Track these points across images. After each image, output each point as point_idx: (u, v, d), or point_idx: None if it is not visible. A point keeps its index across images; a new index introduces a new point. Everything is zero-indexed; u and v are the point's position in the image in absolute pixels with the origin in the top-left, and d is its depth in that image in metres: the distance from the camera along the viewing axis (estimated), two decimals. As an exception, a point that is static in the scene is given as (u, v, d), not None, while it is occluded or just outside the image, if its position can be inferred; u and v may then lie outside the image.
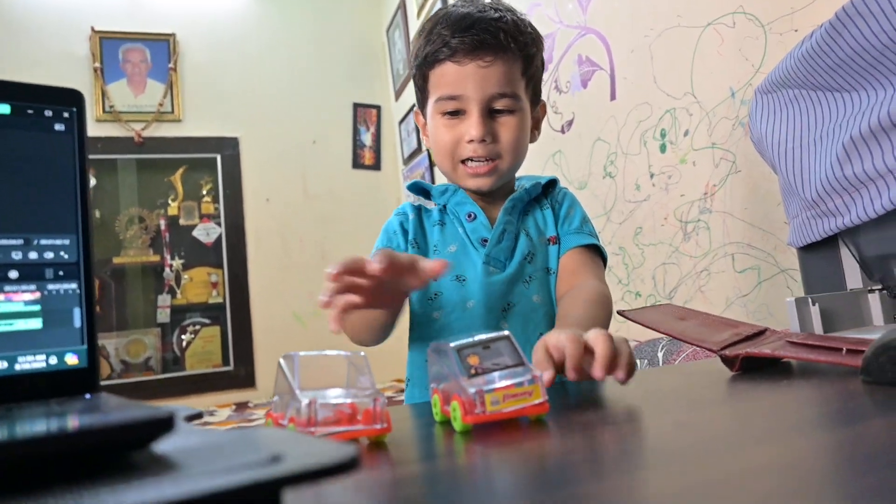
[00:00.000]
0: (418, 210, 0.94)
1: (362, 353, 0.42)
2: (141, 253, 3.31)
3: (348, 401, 0.38)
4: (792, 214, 0.74)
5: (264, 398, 3.15)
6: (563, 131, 2.01)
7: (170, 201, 3.39)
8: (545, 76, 2.08)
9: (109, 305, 3.24)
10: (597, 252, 0.91)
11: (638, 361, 1.35)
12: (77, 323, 0.39)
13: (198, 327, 3.34)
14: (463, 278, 0.86)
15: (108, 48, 3.30)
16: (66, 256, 0.40)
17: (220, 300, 3.36)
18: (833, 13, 0.67)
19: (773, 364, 0.55)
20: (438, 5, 2.80)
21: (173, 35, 3.39)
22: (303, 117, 3.55)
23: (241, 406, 2.98)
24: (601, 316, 0.73)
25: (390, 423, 0.38)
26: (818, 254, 0.71)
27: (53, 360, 0.38)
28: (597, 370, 0.47)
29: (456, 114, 0.85)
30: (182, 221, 3.38)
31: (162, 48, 3.38)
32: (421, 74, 0.90)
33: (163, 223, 3.36)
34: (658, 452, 0.32)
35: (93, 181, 3.25)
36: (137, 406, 0.31)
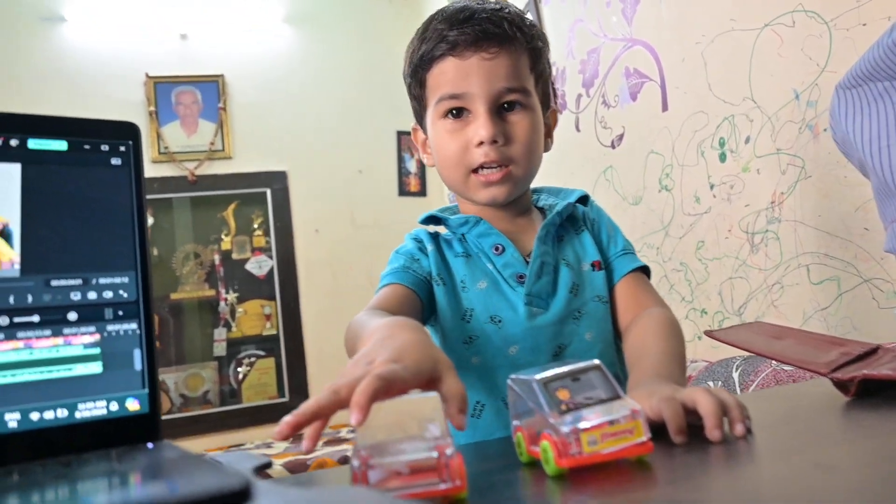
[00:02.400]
0: (435, 239, 0.83)
1: (433, 394, 0.38)
2: (197, 288, 3.38)
3: (407, 458, 0.33)
4: (891, 218, 0.68)
5: (320, 429, 3.14)
6: (613, 146, 1.96)
7: (223, 236, 3.46)
8: (592, 91, 2.04)
9: (168, 341, 3.31)
10: (644, 271, 0.82)
11: (711, 383, 1.27)
12: (138, 365, 0.37)
13: (253, 359, 3.38)
14: (499, 319, 0.75)
15: (162, 92, 3.43)
16: (125, 295, 0.38)
17: (273, 332, 3.39)
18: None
19: (891, 386, 0.49)
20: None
21: (222, 76, 3.50)
22: (348, 148, 3.60)
23: (298, 438, 2.97)
24: (676, 348, 0.66)
25: (465, 478, 0.33)
26: (924, 260, 0.65)
27: (114, 407, 0.36)
28: (712, 431, 0.40)
29: (460, 115, 0.75)
30: (235, 255, 3.45)
31: (212, 89, 3.49)
32: (417, 80, 0.79)
33: (217, 258, 3.43)
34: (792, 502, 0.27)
35: (151, 220, 3.35)
36: (205, 465, 0.28)
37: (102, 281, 0.38)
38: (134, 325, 0.38)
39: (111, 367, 0.37)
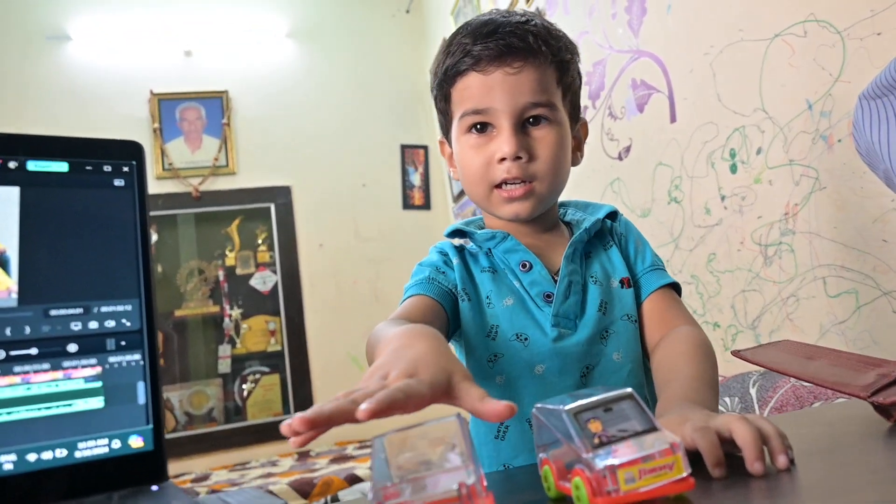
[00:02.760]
0: (460, 252, 0.81)
1: (452, 419, 0.35)
2: (201, 304, 3.36)
3: (426, 495, 0.31)
4: (920, 231, 0.66)
5: (325, 446, 3.11)
6: (620, 158, 1.94)
7: (227, 252, 3.45)
8: (598, 103, 2.03)
9: (172, 358, 3.29)
10: (674, 288, 0.80)
11: (728, 399, 1.24)
12: (141, 399, 0.35)
13: (258, 376, 3.35)
14: (524, 337, 0.73)
15: (166, 108, 3.43)
16: (128, 324, 0.36)
17: (278, 347, 3.36)
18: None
19: (935, 410, 0.46)
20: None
21: (226, 92, 3.51)
22: (352, 162, 3.59)
23: (303, 455, 2.94)
24: (708, 371, 0.62)
25: None
26: (958, 275, 0.62)
27: (117, 444, 0.34)
28: (752, 464, 0.38)
29: (484, 130, 0.74)
30: (239, 271, 3.43)
31: (215, 105, 3.49)
32: (442, 95, 0.79)
33: (221, 274, 3.41)
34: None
35: (155, 236, 3.35)
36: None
37: (104, 309, 0.36)
38: (137, 356, 0.36)
39: (113, 401, 0.34)
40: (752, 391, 1.19)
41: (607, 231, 0.83)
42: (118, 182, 0.40)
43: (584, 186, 2.12)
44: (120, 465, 0.33)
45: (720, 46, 1.48)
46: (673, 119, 1.67)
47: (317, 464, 2.67)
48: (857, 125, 0.73)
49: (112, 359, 0.35)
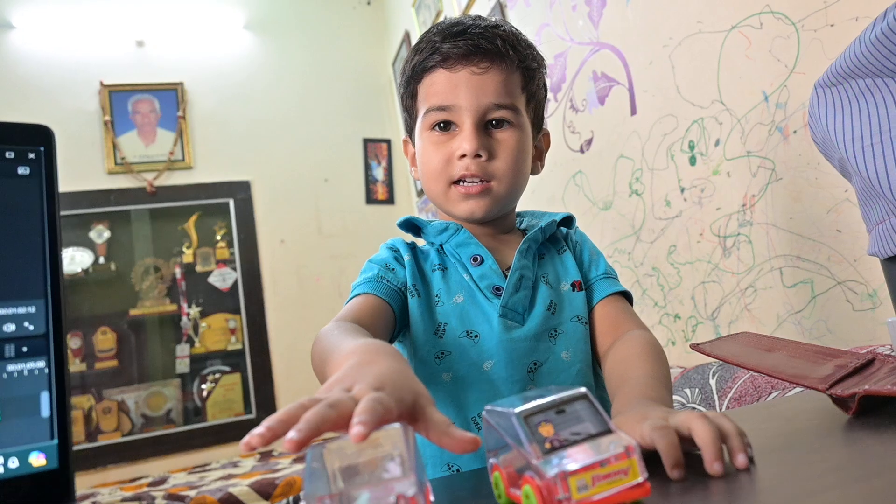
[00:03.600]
0: (412, 249, 0.81)
1: (396, 426, 0.32)
2: (157, 303, 3.25)
3: None
4: (875, 221, 0.65)
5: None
6: (582, 151, 1.93)
7: (184, 249, 3.35)
8: (559, 95, 2.02)
9: (128, 359, 3.18)
10: (626, 297, 0.81)
11: (688, 391, 1.24)
12: (45, 411, 0.31)
13: (218, 375, 3.27)
14: (475, 334, 0.73)
15: (118, 101, 3.31)
16: (31, 328, 0.32)
17: (239, 346, 3.29)
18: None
19: (892, 401, 0.45)
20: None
21: (181, 84, 3.40)
22: (313, 156, 3.52)
23: (266, 455, 2.88)
24: (661, 370, 0.63)
25: None
26: (911, 264, 0.62)
27: (14, 463, 0.30)
28: (711, 465, 0.37)
29: (447, 129, 0.75)
30: (198, 268, 3.34)
31: (170, 97, 3.38)
32: (409, 91, 0.80)
33: (178, 271, 3.31)
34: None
35: (107, 233, 3.23)
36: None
37: (2, 312, 0.32)
38: (41, 364, 0.32)
39: (10, 414, 0.31)
40: (712, 382, 1.19)
41: (562, 237, 0.84)
42: (22, 170, 0.36)
43: (547, 180, 2.11)
44: (17, 486, 0.30)
45: (679, 38, 1.48)
46: (633, 111, 1.67)
47: (279, 464, 2.62)
48: (813, 114, 0.73)
49: (11, 367, 0.32)
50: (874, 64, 0.61)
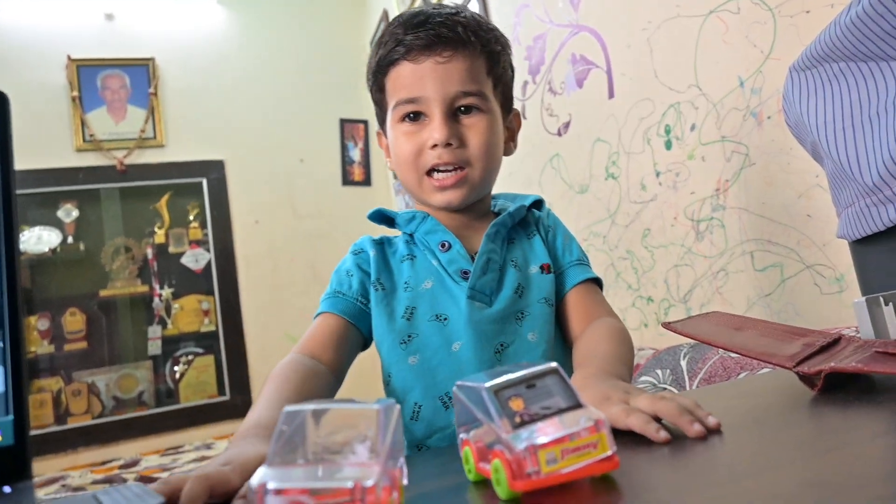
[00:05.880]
0: (380, 245, 0.83)
1: (374, 406, 0.32)
2: (129, 284, 3.20)
3: (315, 485, 0.27)
4: (845, 204, 0.66)
5: (263, 427, 3.04)
6: (559, 134, 1.93)
7: (156, 229, 3.29)
8: (538, 78, 2.02)
9: (99, 340, 3.13)
10: (597, 284, 0.82)
11: (660, 372, 1.26)
12: (0, 385, 0.30)
13: (191, 357, 3.23)
14: (444, 317, 0.74)
15: (86, 76, 3.21)
16: (-16, 299, 0.31)
17: (212, 328, 3.25)
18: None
19: (857, 378, 0.46)
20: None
21: (152, 59, 3.32)
22: (289, 136, 3.47)
23: (240, 437, 2.86)
24: (624, 353, 0.65)
25: None
26: (879, 247, 0.63)
27: (-35, 439, 0.29)
28: (691, 429, 0.39)
29: (417, 119, 0.76)
30: (171, 249, 3.28)
31: (141, 73, 3.30)
32: (377, 85, 0.81)
33: (150, 252, 3.26)
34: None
35: (76, 212, 3.15)
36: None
37: (-47, 282, 0.30)
38: (-5, 336, 0.31)
39: (-37, 389, 0.30)
40: (683, 363, 1.21)
41: (532, 221, 0.85)
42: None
43: (524, 164, 2.11)
44: (-30, 462, 0.29)
45: (657, 22, 1.48)
46: (611, 95, 1.67)
47: (253, 446, 2.61)
48: (788, 97, 0.73)
49: (-38, 339, 0.30)
50: (848, 48, 0.62)
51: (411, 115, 0.76)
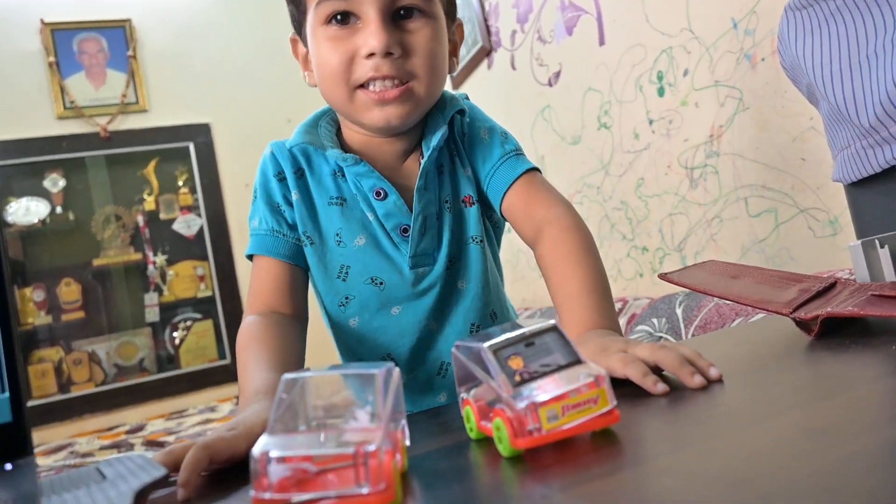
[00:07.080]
0: (298, 168, 0.71)
1: (376, 371, 0.31)
2: (122, 252, 3.18)
3: (317, 452, 0.27)
4: (840, 146, 0.65)
5: (265, 389, 3.08)
6: (550, 84, 1.90)
7: (145, 196, 3.25)
8: (527, 27, 1.97)
9: (96, 309, 3.13)
10: (534, 170, 0.71)
11: (656, 321, 1.27)
12: (-7, 364, 0.30)
13: (189, 323, 3.24)
14: (380, 281, 0.68)
15: (62, 40, 3.12)
16: (-31, 278, 0.30)
17: (209, 293, 3.25)
18: None
19: (853, 322, 0.47)
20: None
21: (129, 20, 3.21)
22: (275, 96, 3.39)
23: (243, 399, 2.90)
24: (597, 276, 0.59)
25: (392, 482, 0.27)
26: (874, 189, 0.63)
27: (-37, 419, 0.28)
28: (691, 380, 0.39)
29: (346, 21, 0.62)
30: (161, 216, 3.25)
31: (118, 35, 3.20)
32: None
33: (141, 219, 3.23)
34: (779, 478, 0.23)
35: (62, 182, 3.10)
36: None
37: (-65, 262, 0.30)
38: (-16, 313, 0.30)
39: (-45, 369, 0.29)
40: (679, 311, 1.22)
41: (458, 135, 0.73)
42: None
43: (514, 115, 2.08)
44: (-32, 441, 0.28)
45: (648, -37, 1.43)
46: (602, 42, 1.64)
47: (257, 407, 2.64)
48: (783, 38, 0.71)
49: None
50: (845, -16, 0.60)
51: (339, 17, 0.62)
